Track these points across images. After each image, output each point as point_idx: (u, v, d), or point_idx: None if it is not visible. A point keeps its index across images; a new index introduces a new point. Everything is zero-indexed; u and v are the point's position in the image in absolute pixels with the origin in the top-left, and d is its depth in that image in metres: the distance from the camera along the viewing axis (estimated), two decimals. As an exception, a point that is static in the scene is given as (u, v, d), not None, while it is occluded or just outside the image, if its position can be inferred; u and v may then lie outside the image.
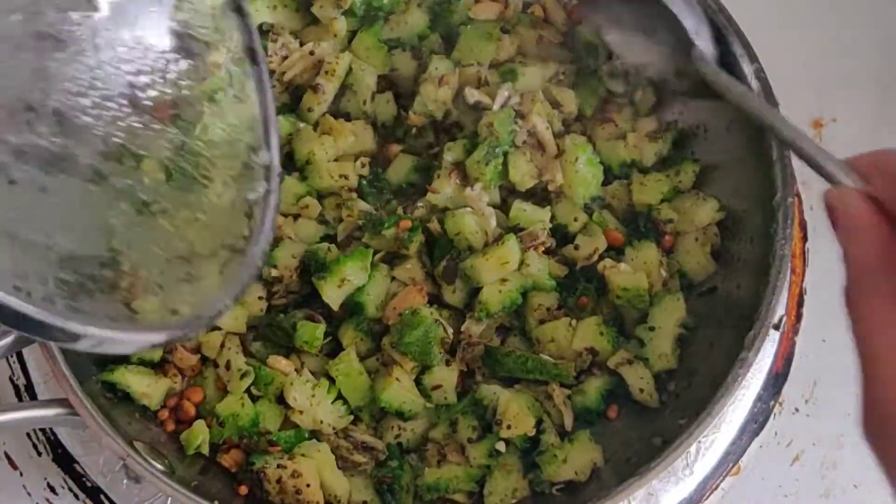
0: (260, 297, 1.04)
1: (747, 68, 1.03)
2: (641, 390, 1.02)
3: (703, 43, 0.96)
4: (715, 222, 1.08)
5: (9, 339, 0.95)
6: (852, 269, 0.56)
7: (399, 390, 1.00)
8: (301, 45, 1.13)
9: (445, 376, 1.02)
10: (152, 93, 0.79)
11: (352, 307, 1.03)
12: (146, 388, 1.00)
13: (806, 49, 1.17)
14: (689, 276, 1.07)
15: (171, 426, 1.01)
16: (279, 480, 0.96)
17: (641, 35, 1.00)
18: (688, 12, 0.96)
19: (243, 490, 0.99)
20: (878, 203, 0.59)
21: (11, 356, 1.11)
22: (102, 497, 1.06)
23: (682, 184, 1.10)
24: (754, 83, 1.03)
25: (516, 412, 0.99)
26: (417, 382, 1.02)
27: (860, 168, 0.63)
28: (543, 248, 1.05)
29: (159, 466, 0.93)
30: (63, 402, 0.92)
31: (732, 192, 1.08)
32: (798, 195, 1.15)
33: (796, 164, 1.03)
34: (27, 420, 0.94)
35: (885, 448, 0.54)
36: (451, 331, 1.02)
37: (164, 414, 1.01)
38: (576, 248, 1.07)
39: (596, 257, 1.06)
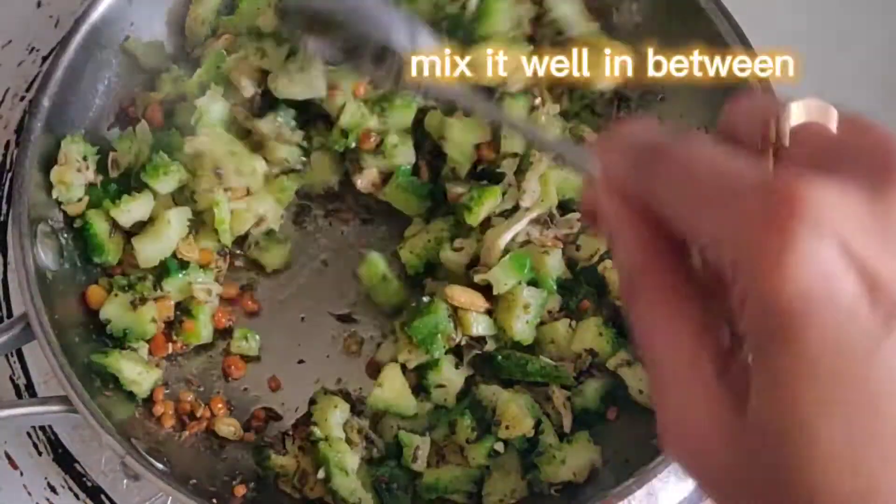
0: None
1: (748, 68, 1.03)
2: (641, 392, 1.02)
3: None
4: None
5: (6, 337, 0.95)
6: (621, 271, 0.50)
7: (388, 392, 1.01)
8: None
9: (452, 378, 1.02)
10: None
11: None
12: (136, 375, 1.00)
13: (806, 49, 1.16)
14: None
15: (169, 422, 1.01)
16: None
17: None
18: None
19: (240, 491, 0.99)
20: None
21: (11, 355, 1.11)
22: (103, 497, 1.06)
23: None
24: (755, 84, 1.02)
25: (515, 413, 0.99)
26: (422, 378, 1.02)
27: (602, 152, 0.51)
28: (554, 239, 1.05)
29: (158, 465, 0.93)
30: (63, 400, 0.93)
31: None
32: (798, 196, 1.15)
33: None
34: (27, 417, 0.95)
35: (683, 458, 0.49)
36: (461, 332, 1.01)
37: (161, 409, 1.02)
38: (577, 248, 1.07)
39: (597, 258, 1.06)
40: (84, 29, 1.05)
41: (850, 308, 0.40)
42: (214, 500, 0.91)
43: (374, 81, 0.99)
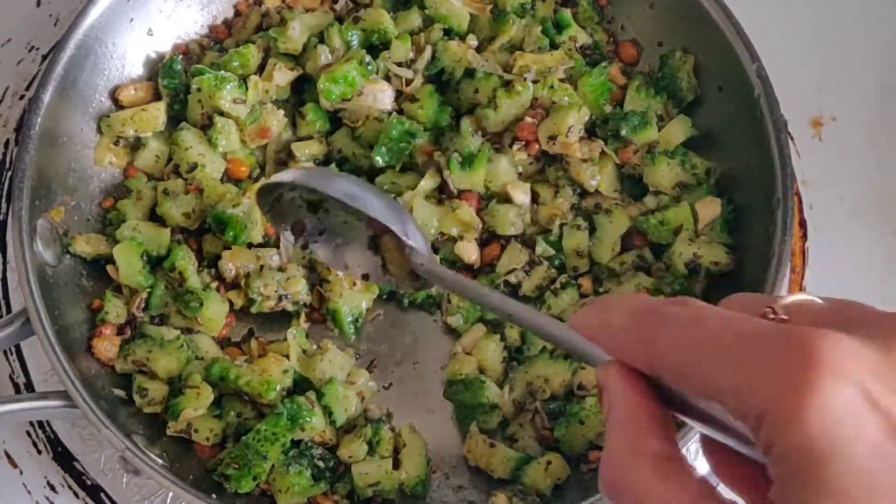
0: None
1: (748, 67, 1.03)
2: None
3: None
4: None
5: (5, 332, 0.95)
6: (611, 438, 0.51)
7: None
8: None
9: None
10: None
11: None
12: None
13: (806, 48, 1.17)
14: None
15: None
16: None
17: None
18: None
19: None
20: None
21: (11, 353, 1.11)
22: (102, 496, 1.06)
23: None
24: (755, 82, 1.03)
25: None
26: None
27: (588, 333, 0.54)
28: None
29: (158, 460, 0.93)
30: (62, 394, 0.93)
31: (732, 192, 1.07)
32: (798, 194, 1.15)
33: (796, 163, 1.03)
34: (26, 412, 0.95)
35: None
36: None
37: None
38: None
39: None
40: (84, 25, 1.05)
41: (875, 443, 0.42)
42: (214, 496, 0.91)
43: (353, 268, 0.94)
